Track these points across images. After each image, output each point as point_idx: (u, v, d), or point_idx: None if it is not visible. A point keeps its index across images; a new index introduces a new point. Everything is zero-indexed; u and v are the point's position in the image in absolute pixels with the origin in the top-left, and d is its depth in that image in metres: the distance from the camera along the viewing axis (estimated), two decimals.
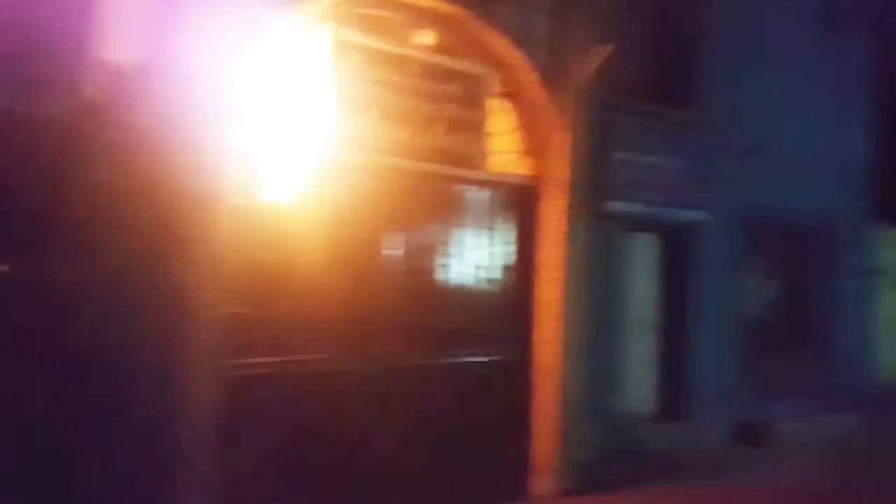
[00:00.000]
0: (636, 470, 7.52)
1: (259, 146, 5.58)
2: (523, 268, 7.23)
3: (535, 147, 7.25)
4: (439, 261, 6.73)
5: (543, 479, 7.09)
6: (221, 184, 5.22)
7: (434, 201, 6.69)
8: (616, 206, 7.97)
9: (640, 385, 8.83)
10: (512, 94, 7.12)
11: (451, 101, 6.65)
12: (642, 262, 8.92)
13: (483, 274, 7.03)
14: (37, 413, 4.75)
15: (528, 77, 7.00)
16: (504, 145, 7.14)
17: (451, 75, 6.66)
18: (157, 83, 5.00)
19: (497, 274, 7.13)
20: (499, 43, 6.82)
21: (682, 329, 9.07)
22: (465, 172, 6.78)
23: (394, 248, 6.40)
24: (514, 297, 7.17)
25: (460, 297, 6.86)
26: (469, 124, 6.78)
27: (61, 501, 4.80)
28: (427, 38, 6.54)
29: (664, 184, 8.45)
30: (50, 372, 4.80)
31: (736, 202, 9.50)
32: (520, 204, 7.25)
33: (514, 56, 6.89)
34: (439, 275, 6.73)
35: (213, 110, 5.19)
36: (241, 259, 5.42)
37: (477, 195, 7.00)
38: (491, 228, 7.13)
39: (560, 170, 7.18)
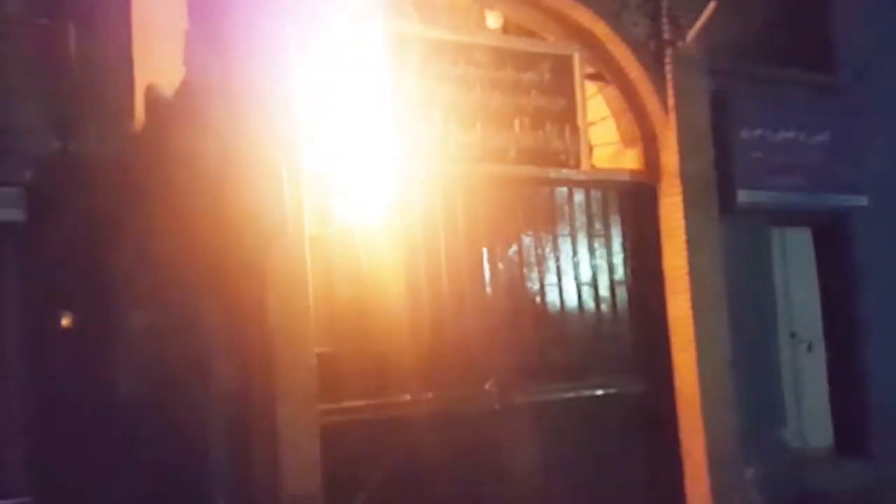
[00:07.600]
0: None
1: (329, 164, 5.27)
2: (647, 280, 6.55)
3: (639, 134, 6.56)
4: (547, 279, 6.21)
5: None
6: (296, 211, 4.93)
7: (532, 210, 6.18)
8: (750, 195, 7.02)
9: (811, 414, 7.81)
10: (604, 73, 6.45)
11: (533, 91, 6.07)
12: (794, 262, 7.92)
13: (601, 291, 6.44)
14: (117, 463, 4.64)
15: (621, 50, 6.33)
16: (602, 136, 6.50)
17: (529, 60, 6.07)
18: (213, 104, 4.80)
19: (617, 289, 6.50)
20: (581, 14, 6.17)
21: (854, 343, 7.89)
22: (561, 173, 6.19)
23: (493, 267, 5.95)
24: (640, 316, 6.54)
25: (576, 320, 6.32)
26: (558, 116, 6.14)
27: None
28: (494, 19, 6.02)
29: (808, 165, 7.40)
30: (123, 422, 4.67)
31: None
32: (632, 204, 6.59)
33: (601, 27, 6.22)
34: (549, 295, 6.21)
35: (275, 127, 4.89)
36: (324, 292, 5.13)
37: (580, 199, 6.40)
38: (603, 237, 6.51)
39: (672, 159, 6.45)
